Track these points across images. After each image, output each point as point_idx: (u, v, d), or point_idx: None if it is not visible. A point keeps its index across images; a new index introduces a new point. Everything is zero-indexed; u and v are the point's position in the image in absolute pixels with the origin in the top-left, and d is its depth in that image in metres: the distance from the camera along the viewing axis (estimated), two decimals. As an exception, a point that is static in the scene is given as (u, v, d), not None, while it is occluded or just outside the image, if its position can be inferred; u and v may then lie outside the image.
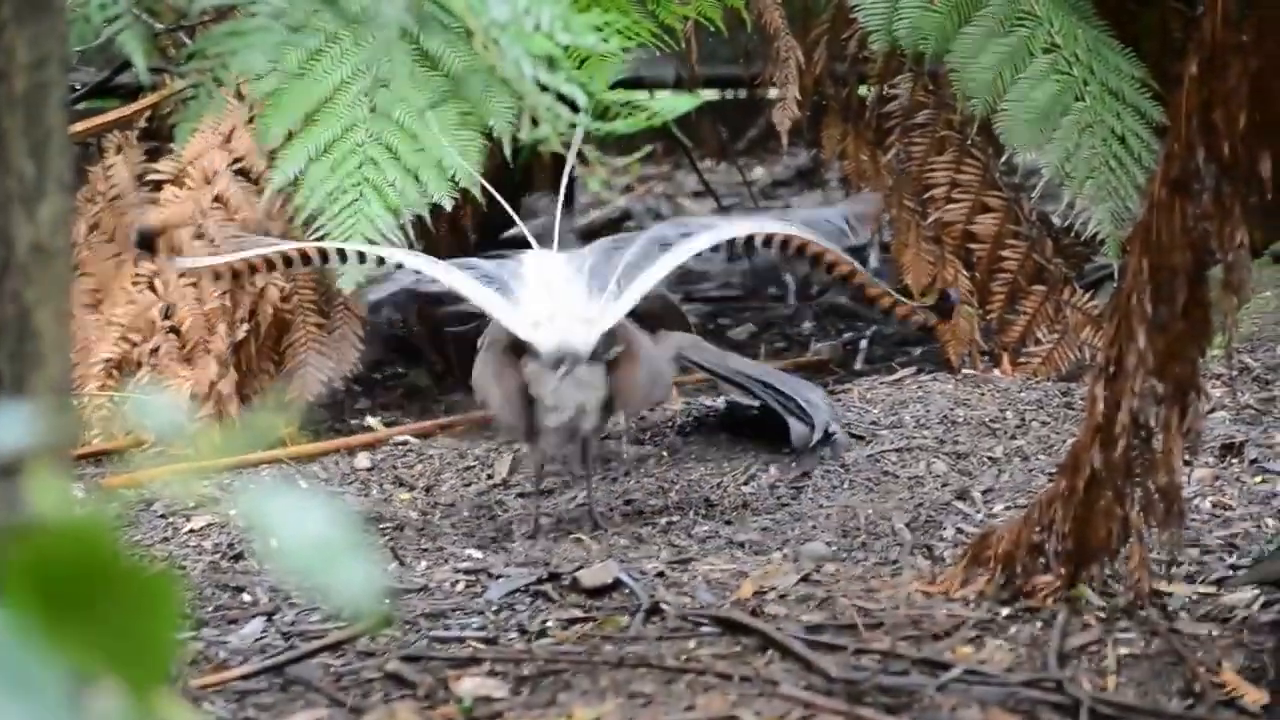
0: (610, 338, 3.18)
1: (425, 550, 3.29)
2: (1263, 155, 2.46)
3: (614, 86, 2.42)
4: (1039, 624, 2.57)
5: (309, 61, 3.80)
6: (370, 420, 4.07)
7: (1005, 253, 4.15)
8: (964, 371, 4.01)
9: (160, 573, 1.10)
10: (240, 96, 3.96)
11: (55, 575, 1.08)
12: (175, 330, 3.95)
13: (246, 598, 3.07)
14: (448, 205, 3.75)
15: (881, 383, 3.95)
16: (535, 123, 2.23)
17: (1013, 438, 3.58)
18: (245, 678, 2.63)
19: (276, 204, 3.90)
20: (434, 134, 3.74)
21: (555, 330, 3.18)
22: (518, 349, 3.19)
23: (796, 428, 3.53)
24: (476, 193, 3.71)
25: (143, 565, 1.09)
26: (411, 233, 3.76)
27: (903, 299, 3.39)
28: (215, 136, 4.05)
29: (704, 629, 2.64)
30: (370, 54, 3.78)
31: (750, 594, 2.76)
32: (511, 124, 3.71)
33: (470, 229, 4.43)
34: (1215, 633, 2.55)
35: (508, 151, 3.73)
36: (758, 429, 3.64)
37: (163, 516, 3.44)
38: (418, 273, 3.27)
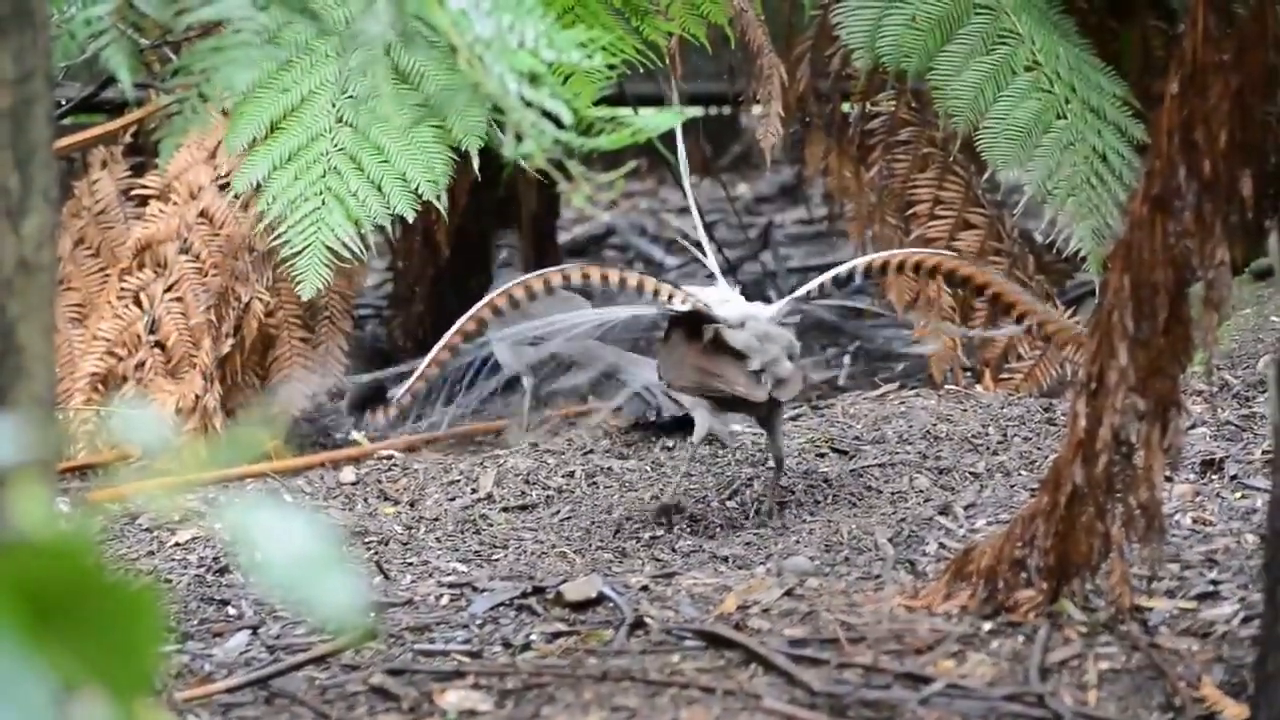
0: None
1: (410, 564, 3.29)
2: (1243, 173, 2.47)
3: (598, 103, 2.43)
4: (1021, 638, 2.58)
5: (279, 72, 3.81)
6: (355, 434, 4.07)
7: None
8: (946, 387, 4.02)
9: (143, 586, 1.10)
10: (225, 113, 3.97)
11: (39, 588, 1.09)
12: (160, 345, 3.95)
13: (231, 611, 3.07)
14: (410, 217, 3.77)
15: (864, 398, 3.96)
16: (519, 139, 2.24)
17: (995, 453, 3.59)
18: (230, 691, 2.64)
19: (258, 219, 3.91)
20: (404, 147, 3.76)
21: (735, 307, 3.41)
22: (697, 332, 3.37)
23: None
24: (441, 207, 3.73)
25: (126, 579, 1.10)
26: (383, 243, 3.79)
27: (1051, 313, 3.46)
28: (200, 152, 4.06)
29: (687, 643, 2.65)
30: (341, 68, 3.80)
31: (734, 608, 2.76)
32: (484, 139, 3.72)
33: (444, 243, 4.45)
34: (1195, 647, 2.56)
35: (475, 166, 3.74)
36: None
37: (148, 530, 3.44)
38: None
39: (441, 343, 3.35)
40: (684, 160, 3.57)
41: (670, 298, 3.37)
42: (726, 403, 3.37)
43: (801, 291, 3.41)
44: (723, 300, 3.40)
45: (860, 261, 3.44)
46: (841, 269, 3.43)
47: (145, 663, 1.09)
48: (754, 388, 3.33)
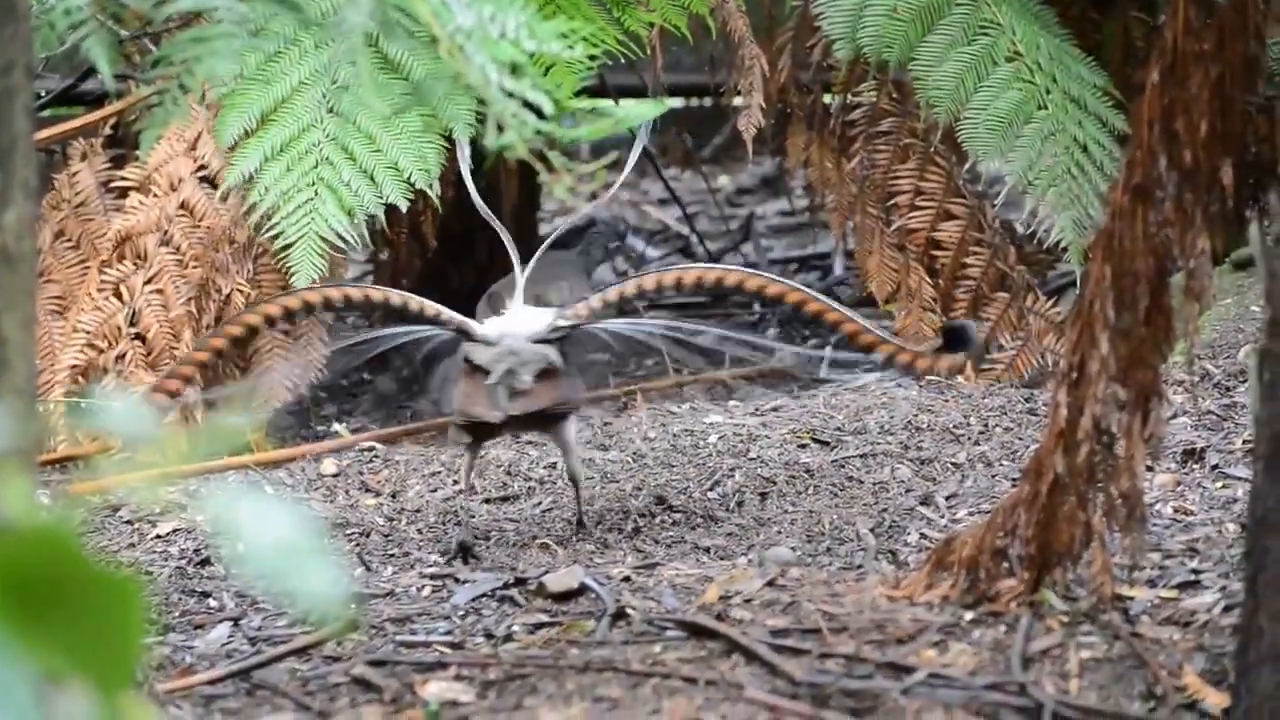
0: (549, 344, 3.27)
1: (391, 555, 3.29)
2: (1224, 163, 2.48)
3: (579, 94, 2.43)
4: (1002, 628, 2.58)
5: (267, 63, 3.81)
6: (336, 426, 4.07)
7: (969, 260, 4.17)
8: (928, 378, 4.02)
9: (126, 576, 1.10)
10: (207, 104, 3.97)
11: (22, 578, 1.09)
12: (141, 337, 3.95)
13: (213, 603, 3.07)
14: (403, 206, 3.77)
15: (846, 389, 3.96)
16: (501, 129, 2.24)
17: (976, 443, 3.60)
18: (212, 683, 2.63)
19: (241, 210, 3.90)
20: (396, 136, 3.76)
21: (496, 323, 3.31)
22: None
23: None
24: (434, 195, 3.74)
25: (109, 568, 1.10)
26: (368, 236, 3.79)
27: (904, 344, 3.35)
28: (180, 143, 4.05)
29: (669, 633, 2.65)
30: (330, 57, 3.80)
31: (715, 598, 2.76)
32: (472, 128, 3.72)
33: (431, 234, 4.45)
34: (1177, 636, 2.57)
35: (468, 155, 3.74)
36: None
37: (129, 523, 3.44)
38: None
39: (196, 351, 3.34)
40: (635, 157, 3.53)
41: (436, 317, 3.30)
42: (473, 424, 3.29)
43: (578, 308, 3.30)
44: (512, 315, 3.31)
45: (649, 279, 3.34)
46: (626, 285, 3.34)
47: (129, 653, 1.09)
48: (489, 407, 3.25)
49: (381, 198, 3.77)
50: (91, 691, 1.10)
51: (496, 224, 3.39)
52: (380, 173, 3.77)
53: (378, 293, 3.37)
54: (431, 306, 3.32)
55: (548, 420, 3.31)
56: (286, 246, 3.79)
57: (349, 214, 3.75)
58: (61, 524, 1.09)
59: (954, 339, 3.30)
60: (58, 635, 1.09)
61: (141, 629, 1.11)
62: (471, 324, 3.30)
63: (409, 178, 3.77)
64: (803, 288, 3.35)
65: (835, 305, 3.34)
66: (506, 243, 3.37)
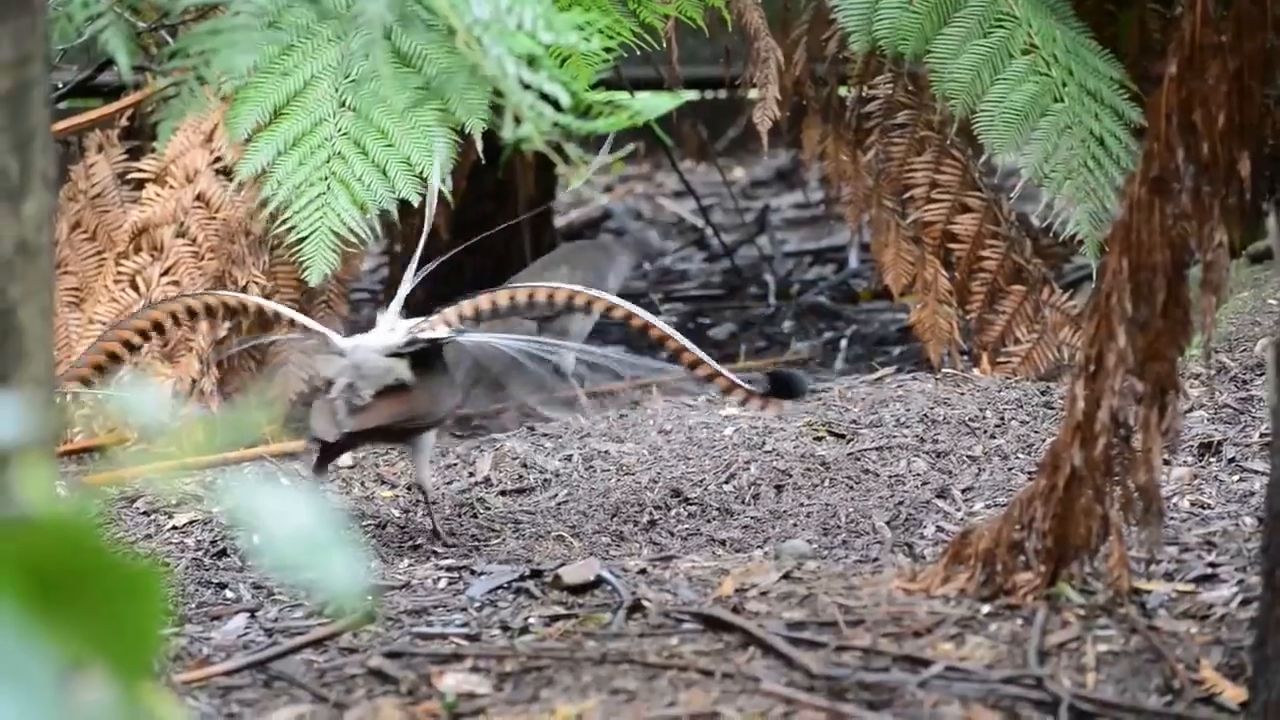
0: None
1: (407, 547, 3.30)
2: (1242, 155, 2.47)
3: (595, 86, 2.43)
4: (1019, 621, 2.58)
5: (281, 56, 3.82)
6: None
7: (984, 253, 4.16)
8: (944, 371, 4.02)
9: (146, 565, 1.10)
10: (223, 96, 3.97)
11: (42, 567, 1.09)
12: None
13: (229, 594, 3.08)
14: (415, 200, 3.78)
15: (861, 381, 3.96)
16: (518, 121, 2.24)
17: (992, 436, 3.59)
18: (228, 674, 2.64)
19: (255, 203, 3.91)
20: (408, 130, 3.77)
21: (358, 336, 3.30)
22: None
23: None
24: (446, 191, 3.74)
25: (129, 558, 1.10)
26: (379, 228, 3.80)
27: (736, 380, 3.29)
28: (197, 135, 4.06)
29: (685, 626, 2.65)
30: (344, 51, 3.80)
31: (731, 591, 2.76)
32: (485, 121, 3.72)
33: (444, 227, 4.45)
34: (1194, 630, 2.56)
35: (480, 149, 3.75)
36: None
37: (145, 514, 3.44)
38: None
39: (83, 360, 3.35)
40: (602, 159, 3.51)
41: (303, 326, 3.30)
42: (319, 439, 3.25)
43: (435, 320, 3.29)
44: (388, 328, 3.28)
45: (503, 295, 3.31)
46: (481, 300, 3.31)
47: (149, 642, 1.09)
48: (325, 424, 3.23)
49: (394, 192, 3.78)
50: (111, 681, 1.10)
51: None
52: (393, 167, 3.78)
53: (251, 301, 3.37)
54: (298, 317, 3.32)
55: (394, 435, 3.29)
56: (300, 240, 3.79)
57: (361, 208, 3.76)
58: (82, 514, 1.09)
59: (782, 387, 3.27)
60: (78, 625, 1.09)
61: (161, 619, 1.11)
62: (331, 335, 3.30)
63: (421, 172, 3.77)
64: (645, 313, 3.29)
65: (675, 334, 3.28)
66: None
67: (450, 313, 3.29)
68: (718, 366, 3.28)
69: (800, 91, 4.25)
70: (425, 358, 3.27)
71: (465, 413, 3.83)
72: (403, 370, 3.25)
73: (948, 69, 4.00)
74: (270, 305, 3.35)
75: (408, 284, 3.31)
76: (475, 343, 3.30)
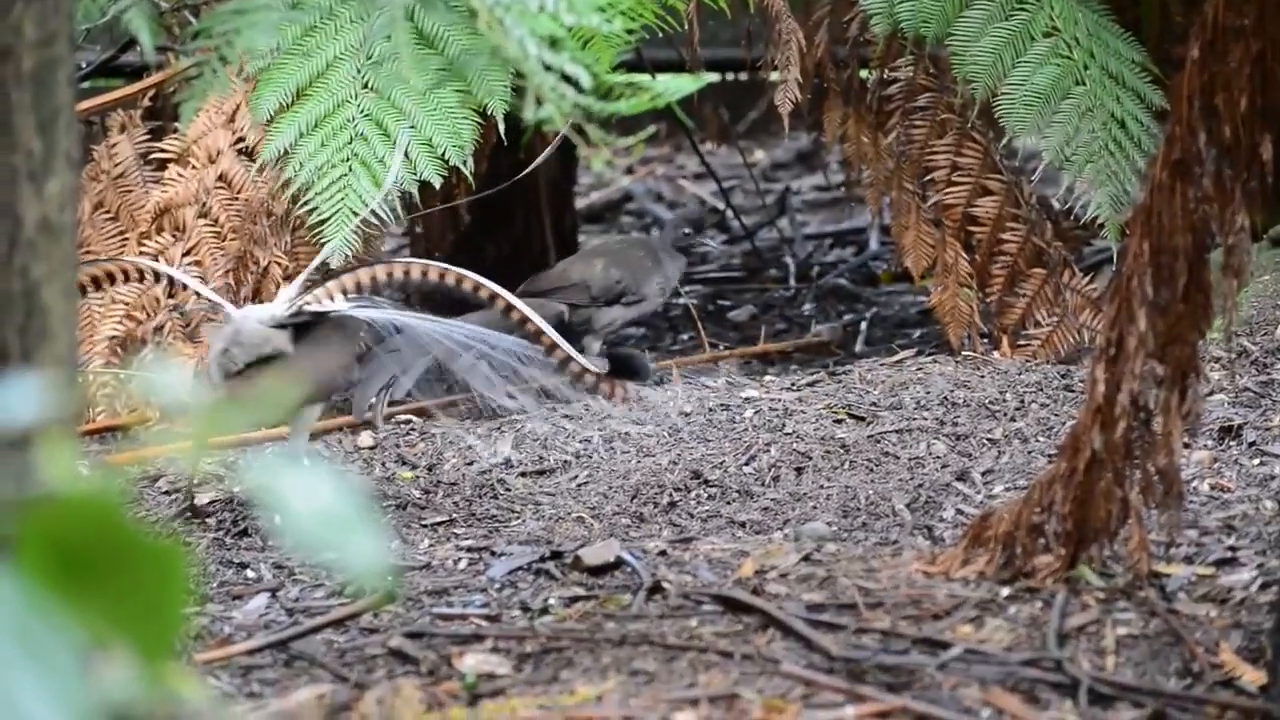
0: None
1: (428, 528, 3.30)
2: (1264, 138, 2.47)
3: (616, 68, 2.43)
4: (1038, 604, 2.58)
5: (303, 37, 3.83)
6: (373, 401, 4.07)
7: (1005, 235, 4.16)
8: (964, 353, 4.02)
9: (169, 544, 1.11)
10: (245, 77, 3.98)
11: (67, 545, 1.09)
12: (179, 308, 3.96)
13: (250, 574, 3.09)
14: (437, 182, 3.79)
15: (881, 364, 3.96)
16: (539, 102, 2.24)
17: (1012, 419, 3.59)
18: (249, 653, 2.65)
19: (277, 184, 3.92)
20: (430, 112, 3.77)
21: (250, 307, 3.37)
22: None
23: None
24: (467, 171, 3.75)
25: (153, 536, 1.10)
26: (401, 210, 3.81)
27: (579, 358, 3.33)
28: (219, 116, 4.06)
29: (705, 607, 2.65)
30: (366, 32, 3.81)
31: (751, 573, 2.77)
32: (508, 103, 3.73)
33: (464, 208, 4.45)
34: (1213, 613, 2.56)
35: (502, 130, 3.76)
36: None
37: (167, 493, 3.45)
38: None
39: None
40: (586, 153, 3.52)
41: (198, 294, 3.35)
42: None
43: (318, 293, 3.29)
44: (284, 299, 3.30)
45: (381, 269, 3.32)
46: (361, 273, 3.32)
47: (172, 620, 1.10)
48: (201, 390, 3.27)
49: (416, 173, 3.78)
50: (134, 659, 1.11)
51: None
52: (414, 148, 3.79)
53: (150, 267, 3.41)
54: (197, 285, 3.37)
55: None
56: (321, 221, 3.80)
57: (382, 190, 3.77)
58: (106, 493, 1.09)
59: (623, 367, 3.31)
60: (102, 603, 1.10)
61: (184, 597, 1.12)
62: (225, 304, 3.35)
63: (443, 153, 3.78)
64: (509, 294, 3.32)
65: (534, 316, 3.31)
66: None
67: (334, 285, 3.31)
68: (570, 350, 3.31)
69: (821, 74, 4.25)
70: (313, 330, 3.29)
71: (420, 404, 3.84)
72: (281, 341, 3.27)
73: (969, 52, 3.99)
74: (171, 271, 3.39)
75: (317, 260, 3.36)
76: (413, 330, 3.31)
